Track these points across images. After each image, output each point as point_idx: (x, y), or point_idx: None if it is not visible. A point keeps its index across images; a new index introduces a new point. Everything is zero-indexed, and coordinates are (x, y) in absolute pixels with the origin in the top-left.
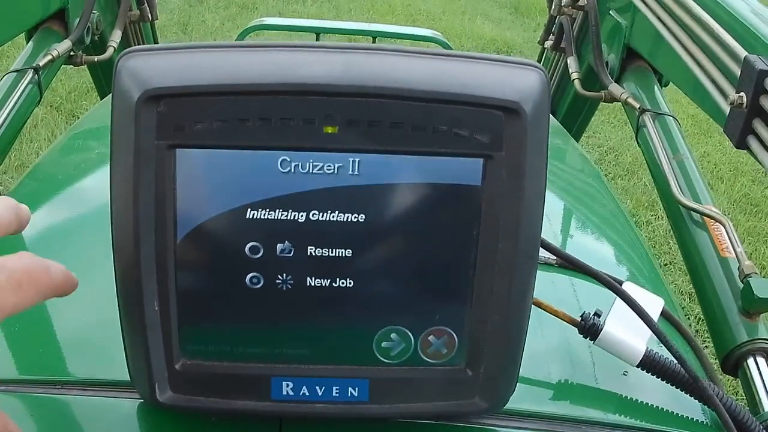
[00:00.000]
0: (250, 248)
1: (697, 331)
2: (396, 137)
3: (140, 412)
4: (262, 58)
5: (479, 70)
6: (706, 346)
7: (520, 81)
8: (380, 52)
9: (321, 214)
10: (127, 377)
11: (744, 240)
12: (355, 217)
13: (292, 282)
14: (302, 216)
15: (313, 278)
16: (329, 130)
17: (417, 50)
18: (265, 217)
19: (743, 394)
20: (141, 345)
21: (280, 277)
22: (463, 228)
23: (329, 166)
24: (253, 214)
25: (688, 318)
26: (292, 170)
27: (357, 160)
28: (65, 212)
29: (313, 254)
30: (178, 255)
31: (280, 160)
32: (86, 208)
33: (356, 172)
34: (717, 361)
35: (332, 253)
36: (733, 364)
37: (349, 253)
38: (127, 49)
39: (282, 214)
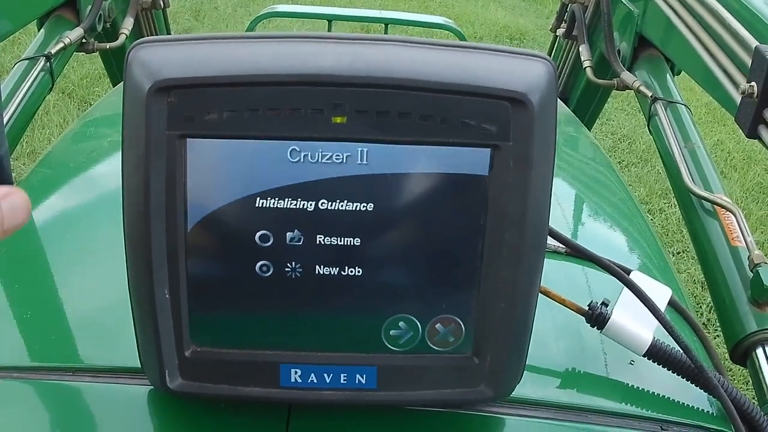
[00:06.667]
0: (260, 237)
1: (708, 320)
2: (404, 127)
3: (151, 399)
4: (271, 49)
5: (487, 61)
6: (717, 335)
7: (527, 72)
8: (388, 43)
9: (330, 203)
10: (137, 364)
11: (756, 229)
12: (363, 206)
13: (301, 270)
14: (311, 205)
15: (322, 267)
16: (338, 120)
17: (425, 41)
18: (275, 206)
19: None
20: (151, 332)
21: (289, 265)
22: (471, 217)
23: (338, 155)
24: (263, 203)
25: (701, 307)
26: (302, 160)
27: (365, 149)
28: (77, 200)
29: (323, 243)
30: (188, 243)
31: (289, 149)
32: (98, 196)
33: (365, 162)
34: (726, 350)
35: (341, 241)
36: (742, 353)
37: (357, 241)
38: (138, 40)
39: (291, 203)
